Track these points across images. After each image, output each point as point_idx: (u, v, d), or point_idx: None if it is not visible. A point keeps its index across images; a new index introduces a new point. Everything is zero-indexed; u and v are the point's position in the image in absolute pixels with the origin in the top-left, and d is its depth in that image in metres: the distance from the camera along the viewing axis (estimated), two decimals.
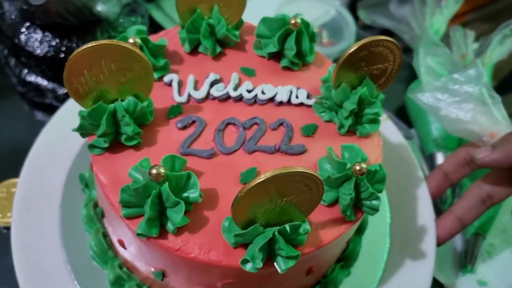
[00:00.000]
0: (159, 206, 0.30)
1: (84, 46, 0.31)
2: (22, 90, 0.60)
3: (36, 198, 0.44)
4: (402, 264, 0.45)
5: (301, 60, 0.42)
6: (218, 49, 0.41)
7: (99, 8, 0.53)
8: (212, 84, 0.39)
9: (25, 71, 0.59)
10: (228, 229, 0.30)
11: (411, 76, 0.67)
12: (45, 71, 0.57)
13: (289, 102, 0.39)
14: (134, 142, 0.34)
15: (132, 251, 0.35)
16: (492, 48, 0.67)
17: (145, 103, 0.34)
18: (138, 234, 0.30)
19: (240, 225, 0.29)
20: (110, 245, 0.40)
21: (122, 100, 0.34)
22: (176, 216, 0.30)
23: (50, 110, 0.60)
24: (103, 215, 0.39)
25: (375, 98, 0.38)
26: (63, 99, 0.58)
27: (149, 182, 0.30)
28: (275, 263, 0.30)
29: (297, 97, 0.40)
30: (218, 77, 0.40)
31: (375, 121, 0.38)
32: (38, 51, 0.54)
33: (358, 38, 0.70)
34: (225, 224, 0.31)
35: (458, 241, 0.58)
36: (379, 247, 0.45)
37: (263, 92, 0.39)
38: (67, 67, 0.32)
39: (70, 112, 0.49)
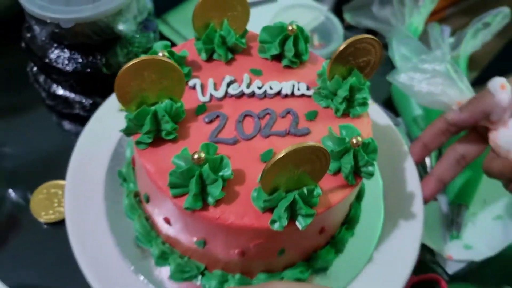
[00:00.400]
0: (201, 184, 0.38)
1: (131, 62, 0.38)
2: (51, 103, 0.67)
3: (82, 194, 0.51)
4: (396, 224, 0.52)
5: (298, 59, 0.49)
6: (230, 56, 0.49)
7: (120, 27, 0.60)
8: (229, 85, 0.46)
9: (54, 86, 0.66)
10: (257, 197, 0.38)
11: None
12: (73, 85, 0.64)
13: (292, 94, 0.47)
14: (172, 136, 0.41)
15: (177, 226, 0.42)
16: (466, 41, 0.74)
17: (179, 104, 0.42)
18: (186, 208, 0.38)
19: (267, 193, 0.37)
20: (152, 226, 0.48)
21: (161, 103, 0.41)
22: (215, 190, 0.37)
23: (77, 119, 0.67)
24: (148, 200, 0.46)
25: (363, 85, 0.46)
26: (89, 109, 0.65)
27: (191, 166, 0.37)
28: (296, 222, 0.38)
29: (298, 89, 0.47)
30: (232, 78, 0.47)
31: (364, 104, 0.46)
32: (67, 68, 0.61)
33: (345, 39, 0.78)
34: (254, 194, 0.38)
35: (444, 211, 0.66)
36: (376, 211, 0.52)
37: (271, 88, 0.47)
38: (117, 80, 0.39)
39: (101, 121, 0.56)
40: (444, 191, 0.66)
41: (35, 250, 0.57)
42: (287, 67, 0.49)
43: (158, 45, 0.46)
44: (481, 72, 1.51)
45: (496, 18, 0.72)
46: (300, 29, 0.48)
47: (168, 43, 0.46)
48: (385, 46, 1.28)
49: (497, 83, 0.51)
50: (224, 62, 0.49)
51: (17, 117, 0.70)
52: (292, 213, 0.38)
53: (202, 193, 0.38)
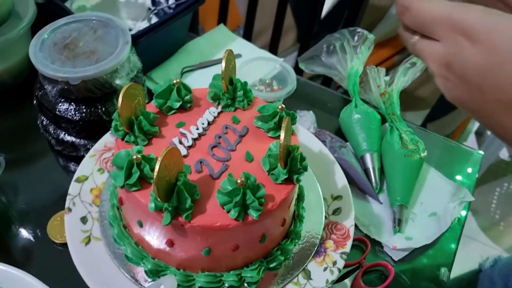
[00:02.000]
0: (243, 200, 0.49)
1: (165, 154, 0.45)
2: (59, 148, 0.81)
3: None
4: (337, 208, 0.68)
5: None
6: (155, 129, 0.57)
7: (117, 82, 0.75)
8: (181, 142, 0.56)
9: (62, 133, 0.79)
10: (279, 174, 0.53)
11: (342, 107, 0.91)
12: (79, 132, 0.77)
13: (214, 118, 0.60)
14: (198, 195, 0.51)
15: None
16: (398, 78, 0.91)
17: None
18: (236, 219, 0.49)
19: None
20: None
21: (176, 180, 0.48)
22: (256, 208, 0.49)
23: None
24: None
25: (242, 83, 0.62)
26: None
27: (237, 187, 0.48)
28: None
29: (213, 112, 0.61)
30: (177, 138, 0.57)
31: (250, 91, 0.63)
32: (75, 118, 0.75)
33: (298, 82, 0.93)
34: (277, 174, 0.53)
35: (388, 212, 0.79)
36: (319, 207, 0.66)
37: (202, 123, 0.59)
38: (155, 180, 0.45)
39: (90, 161, 0.68)
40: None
41: (52, 265, 0.69)
42: (190, 108, 0.61)
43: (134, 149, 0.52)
44: (432, 109, 1.71)
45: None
46: (183, 84, 0.60)
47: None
48: (336, 88, 1.48)
49: None
50: (158, 135, 0.57)
51: (30, 164, 0.83)
52: None
53: (244, 208, 0.49)
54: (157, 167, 0.45)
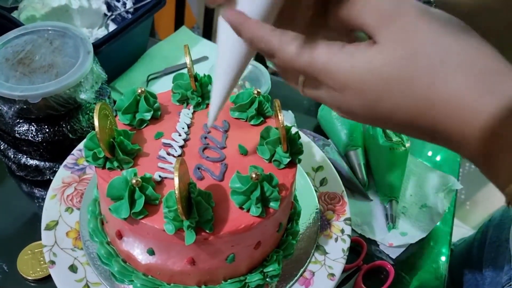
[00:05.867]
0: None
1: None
2: (22, 173, 0.74)
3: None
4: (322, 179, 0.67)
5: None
6: (137, 147, 0.53)
7: (82, 96, 0.69)
8: (168, 154, 0.53)
9: (24, 157, 0.72)
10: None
11: (319, 104, 0.88)
12: (43, 154, 0.70)
13: (190, 119, 0.57)
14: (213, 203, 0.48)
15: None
16: None
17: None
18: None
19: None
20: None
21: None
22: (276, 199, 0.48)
23: (48, 184, 0.73)
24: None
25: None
26: None
27: (253, 184, 0.47)
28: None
29: (187, 114, 0.58)
30: (163, 150, 0.53)
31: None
32: (37, 139, 0.68)
33: (272, 81, 0.89)
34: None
35: (379, 208, 0.77)
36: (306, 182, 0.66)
37: (182, 128, 0.55)
38: None
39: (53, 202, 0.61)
40: (377, 192, 0.79)
41: None
42: (160, 116, 0.58)
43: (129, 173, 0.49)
44: None
45: None
46: (147, 91, 0.56)
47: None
48: None
49: None
50: (140, 153, 0.53)
51: None
52: None
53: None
54: (176, 184, 0.41)
